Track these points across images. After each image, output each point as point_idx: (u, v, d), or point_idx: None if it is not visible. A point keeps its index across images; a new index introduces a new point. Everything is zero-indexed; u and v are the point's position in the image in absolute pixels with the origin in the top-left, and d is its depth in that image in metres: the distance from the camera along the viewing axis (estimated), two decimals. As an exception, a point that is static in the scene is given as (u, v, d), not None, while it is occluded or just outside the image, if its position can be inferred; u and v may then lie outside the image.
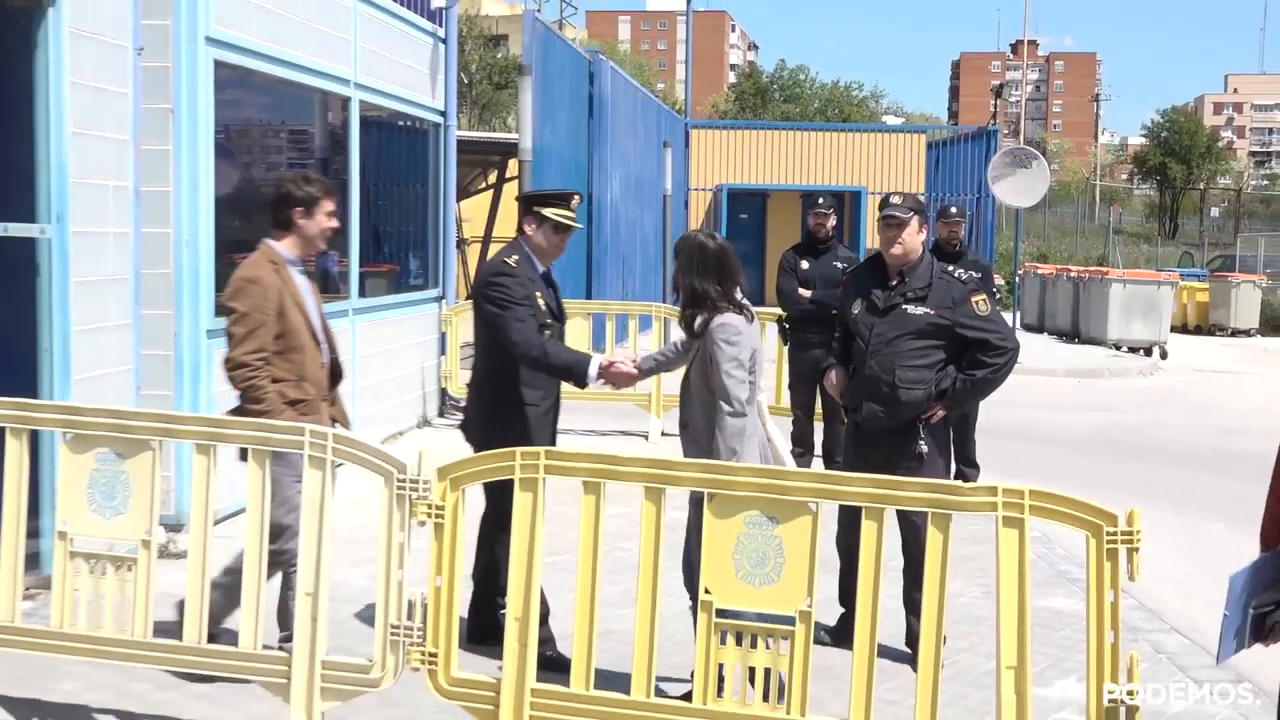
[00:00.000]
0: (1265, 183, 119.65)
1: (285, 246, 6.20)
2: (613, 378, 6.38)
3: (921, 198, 7.58)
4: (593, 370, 6.31)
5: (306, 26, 10.53)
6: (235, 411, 6.02)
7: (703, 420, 6.04)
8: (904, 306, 6.61)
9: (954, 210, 11.51)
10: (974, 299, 6.70)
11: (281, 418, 5.86)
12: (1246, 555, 4.75)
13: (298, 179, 6.31)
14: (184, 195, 8.71)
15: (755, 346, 6.05)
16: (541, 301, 6.49)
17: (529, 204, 6.66)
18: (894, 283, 6.71)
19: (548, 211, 6.53)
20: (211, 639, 5.42)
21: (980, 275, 10.74)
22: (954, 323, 6.64)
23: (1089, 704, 4.70)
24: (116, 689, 5.93)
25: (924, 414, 6.66)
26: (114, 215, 7.93)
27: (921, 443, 6.64)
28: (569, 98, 18.41)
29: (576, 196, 6.70)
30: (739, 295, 6.05)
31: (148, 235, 8.37)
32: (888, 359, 6.59)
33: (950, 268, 7.87)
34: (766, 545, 4.88)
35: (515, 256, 6.57)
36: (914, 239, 6.68)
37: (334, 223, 6.39)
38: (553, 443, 6.43)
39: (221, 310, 6.05)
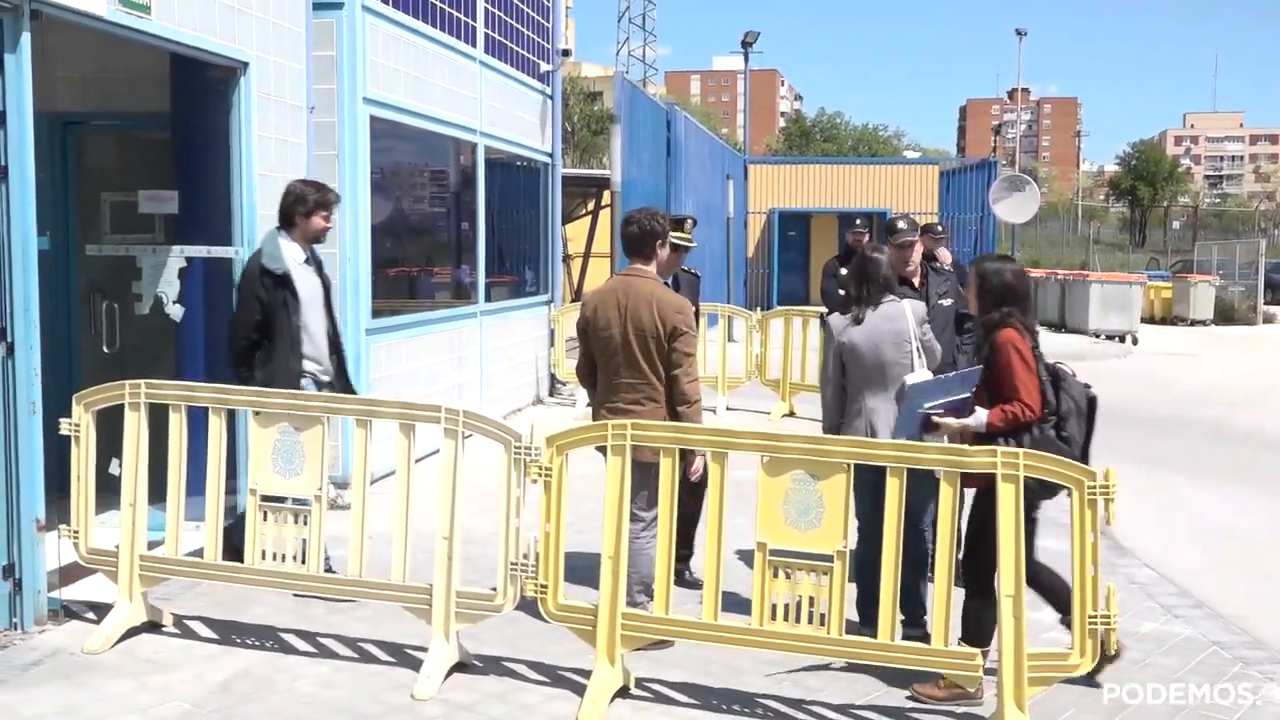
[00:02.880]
0: (1217, 201, 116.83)
1: (654, 270, 5.87)
2: None
3: (917, 217, 7.49)
4: None
5: (442, 88, 10.57)
6: (676, 416, 5.62)
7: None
8: (940, 302, 6.64)
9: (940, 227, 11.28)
10: (959, 286, 6.89)
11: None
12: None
13: (656, 216, 5.93)
14: (347, 223, 8.77)
15: (854, 340, 5.71)
16: None
17: None
18: (919, 285, 6.66)
19: (670, 236, 6.26)
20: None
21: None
22: (959, 306, 6.80)
23: (1074, 626, 4.61)
24: (295, 613, 5.99)
25: None
26: (292, 239, 7.98)
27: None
28: (651, 141, 18.32)
29: (689, 220, 6.51)
30: (873, 298, 5.75)
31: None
32: (944, 346, 6.54)
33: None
34: (810, 498, 4.83)
35: None
36: (917, 254, 6.70)
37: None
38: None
39: (674, 334, 5.61)
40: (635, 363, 5.67)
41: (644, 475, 5.36)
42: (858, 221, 11.69)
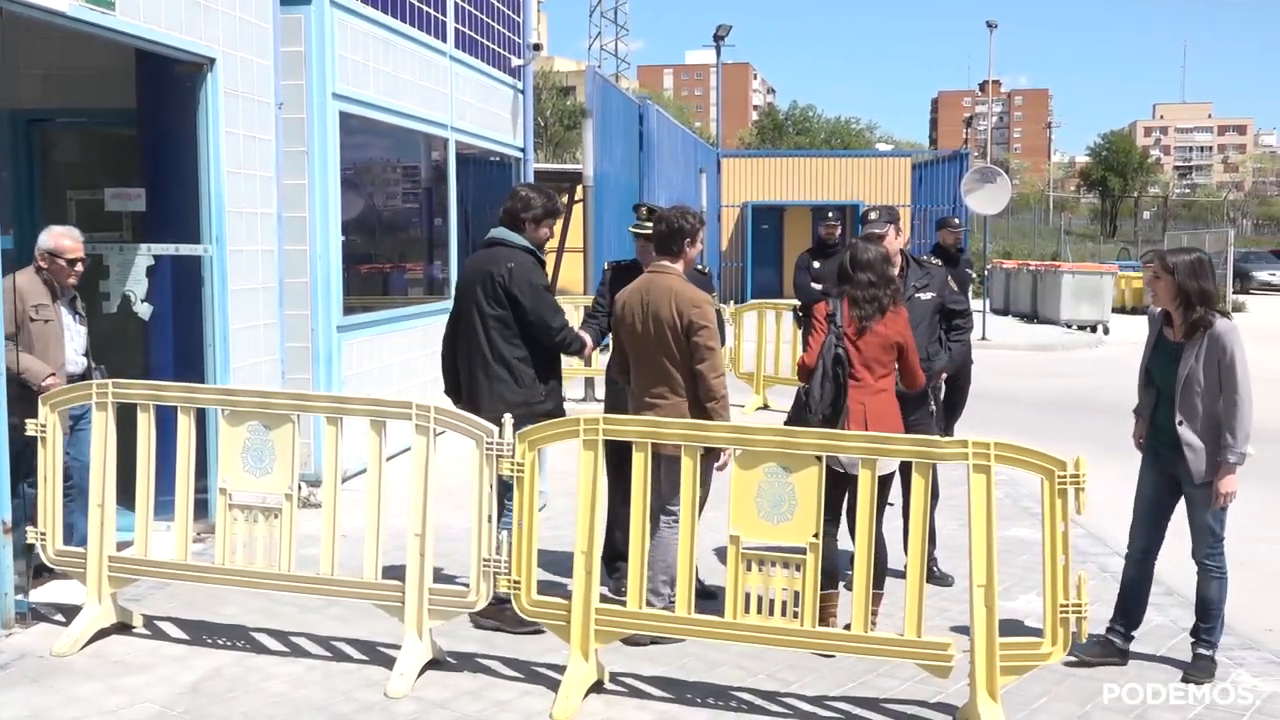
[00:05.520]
0: (1187, 191, 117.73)
1: (679, 268, 5.83)
2: None
3: (896, 207, 7.25)
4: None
5: (412, 83, 10.51)
6: (704, 413, 5.57)
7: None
8: (917, 295, 6.50)
9: (956, 221, 11.23)
10: (950, 280, 6.76)
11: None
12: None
13: (687, 214, 5.89)
14: (317, 220, 8.72)
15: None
16: None
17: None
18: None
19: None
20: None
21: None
22: (945, 300, 6.64)
23: (1045, 614, 4.63)
24: (267, 612, 5.94)
25: (936, 378, 6.64)
26: (262, 236, 7.94)
27: (931, 402, 6.61)
28: (623, 135, 18.29)
29: (642, 208, 6.50)
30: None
31: (289, 252, 8.38)
32: (919, 339, 6.46)
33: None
34: (782, 490, 4.82)
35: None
36: (894, 245, 6.40)
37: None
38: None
39: (691, 328, 5.55)
40: (657, 358, 5.67)
41: (671, 470, 5.30)
42: (829, 214, 11.78)
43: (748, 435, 4.96)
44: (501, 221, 6.03)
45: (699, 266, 6.73)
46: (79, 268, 6.39)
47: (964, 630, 4.89)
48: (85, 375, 6.32)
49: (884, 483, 5.39)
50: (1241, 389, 5.11)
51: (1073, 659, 5.21)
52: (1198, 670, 5.28)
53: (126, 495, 5.67)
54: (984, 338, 21.20)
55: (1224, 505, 5.24)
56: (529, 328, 5.82)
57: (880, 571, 5.47)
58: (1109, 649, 5.51)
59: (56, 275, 6.31)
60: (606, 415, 5.17)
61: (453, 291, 11.44)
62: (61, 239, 6.31)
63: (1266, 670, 5.41)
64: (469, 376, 5.94)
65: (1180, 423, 5.27)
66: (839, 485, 5.25)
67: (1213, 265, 5.42)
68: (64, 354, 6.29)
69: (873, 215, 6.58)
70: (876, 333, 5.58)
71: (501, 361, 5.81)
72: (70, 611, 5.67)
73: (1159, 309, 5.50)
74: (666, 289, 5.68)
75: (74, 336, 6.42)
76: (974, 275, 11.45)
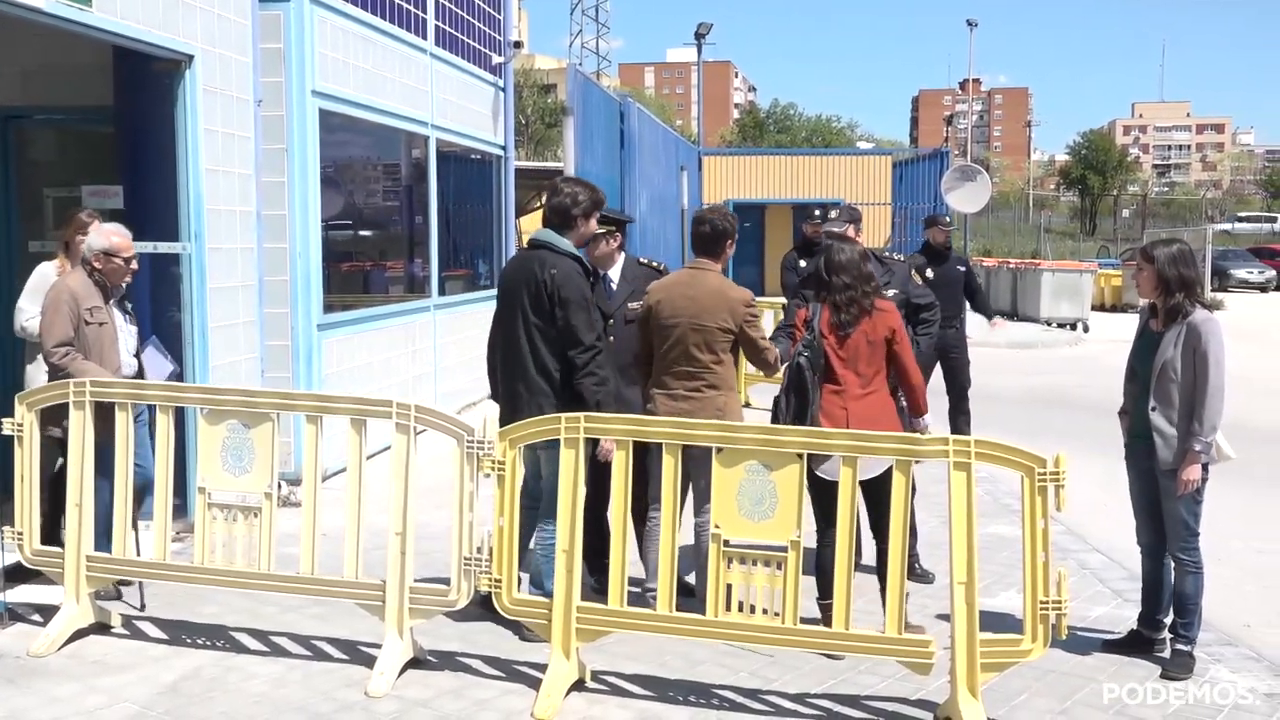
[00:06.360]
0: (1165, 189, 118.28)
1: (719, 266, 5.97)
2: None
3: (858, 206, 7.25)
4: None
5: (393, 80, 10.48)
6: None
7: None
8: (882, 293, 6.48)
9: (946, 219, 11.22)
10: (913, 273, 6.76)
11: None
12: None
13: (727, 216, 6.09)
14: (296, 217, 8.69)
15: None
16: None
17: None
18: None
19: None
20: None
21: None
22: (909, 295, 6.67)
23: (1026, 611, 4.64)
24: (249, 612, 5.92)
25: None
26: (241, 234, 7.90)
27: (903, 398, 6.59)
28: (604, 133, 18.24)
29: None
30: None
31: (268, 250, 8.34)
32: None
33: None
34: (763, 488, 4.83)
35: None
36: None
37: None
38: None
39: (746, 322, 5.78)
40: (698, 352, 5.74)
41: (700, 466, 5.34)
42: (815, 212, 11.73)
43: (731, 432, 4.97)
44: (548, 222, 5.81)
45: (656, 264, 6.74)
46: (134, 265, 6.16)
47: (945, 618, 4.91)
48: (139, 375, 6.17)
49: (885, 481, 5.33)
50: (1213, 380, 5.16)
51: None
52: (1176, 666, 5.31)
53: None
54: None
55: (1195, 496, 5.27)
56: (560, 335, 5.61)
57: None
58: (1136, 638, 5.62)
59: (112, 276, 6.03)
60: (588, 414, 5.15)
61: (434, 289, 11.50)
62: (113, 237, 6.01)
63: (1244, 666, 5.44)
64: (508, 387, 5.78)
65: (1153, 409, 5.32)
66: (831, 495, 5.07)
67: (1194, 256, 5.45)
68: (119, 356, 6.06)
69: (833, 214, 6.63)
70: (861, 333, 5.57)
71: (543, 372, 5.62)
72: (48, 611, 5.64)
73: (1146, 302, 5.54)
74: (717, 287, 5.84)
75: (126, 337, 6.19)
76: (965, 270, 11.45)
